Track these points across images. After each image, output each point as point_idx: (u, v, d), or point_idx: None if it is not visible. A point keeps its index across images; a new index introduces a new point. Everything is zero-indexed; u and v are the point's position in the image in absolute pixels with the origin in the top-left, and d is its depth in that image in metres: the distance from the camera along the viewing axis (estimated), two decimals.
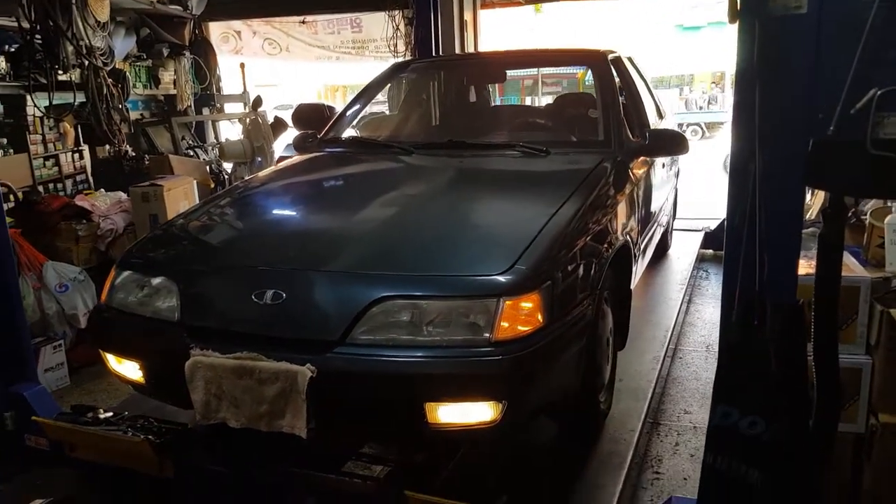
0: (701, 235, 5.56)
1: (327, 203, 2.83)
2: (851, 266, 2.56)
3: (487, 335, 1.95)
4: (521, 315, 2.00)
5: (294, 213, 2.83)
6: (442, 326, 1.98)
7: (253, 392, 2.02)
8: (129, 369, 2.38)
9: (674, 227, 5.29)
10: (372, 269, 2.14)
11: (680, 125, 19.47)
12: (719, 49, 17.59)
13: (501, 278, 2.01)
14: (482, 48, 6.49)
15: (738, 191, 1.66)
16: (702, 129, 19.96)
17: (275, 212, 2.87)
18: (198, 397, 2.09)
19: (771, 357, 1.68)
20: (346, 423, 2.14)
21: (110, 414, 2.64)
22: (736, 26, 1.58)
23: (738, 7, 1.56)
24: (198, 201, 4.54)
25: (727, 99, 22.22)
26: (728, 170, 1.73)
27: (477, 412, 2.00)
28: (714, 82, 22.81)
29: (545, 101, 17.36)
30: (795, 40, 1.52)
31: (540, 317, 2.02)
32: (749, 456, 1.75)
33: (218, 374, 2.05)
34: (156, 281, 2.32)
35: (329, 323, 2.02)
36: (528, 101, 16.34)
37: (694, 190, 5.96)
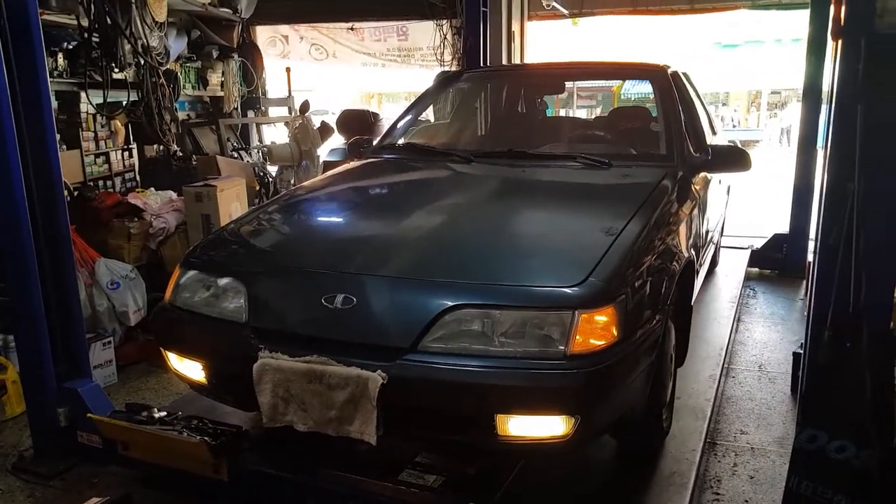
0: (747, 253, 5.48)
1: (391, 209, 2.82)
2: None
3: (562, 348, 1.92)
4: (596, 329, 1.97)
5: (359, 218, 2.82)
6: (515, 337, 1.96)
7: (322, 396, 2.01)
8: (192, 369, 2.38)
9: (721, 244, 5.22)
10: (444, 277, 2.12)
11: None
12: (756, 67, 17.41)
13: (577, 290, 1.98)
14: (528, 60, 6.48)
15: (834, 211, 1.62)
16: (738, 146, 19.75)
17: (339, 216, 2.86)
18: (265, 400, 2.09)
19: (866, 381, 1.63)
20: (415, 431, 2.11)
21: (164, 413, 2.63)
22: (821, 43, 1.54)
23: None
24: (247, 203, 4.57)
25: (762, 117, 22.01)
26: (823, 190, 1.68)
27: (549, 426, 1.97)
28: (752, 102, 22.57)
29: (580, 113, 17.33)
30: None
31: (614, 331, 1.99)
32: (837, 481, 1.70)
33: (287, 377, 2.04)
34: (223, 281, 2.32)
35: (400, 330, 2.01)
36: (562, 114, 16.28)
37: (736, 204, 5.88)
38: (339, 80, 7.77)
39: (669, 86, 3.40)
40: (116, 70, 4.63)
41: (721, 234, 5.12)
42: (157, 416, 2.65)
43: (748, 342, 4.18)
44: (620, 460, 2.58)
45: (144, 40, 4.63)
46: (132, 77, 4.86)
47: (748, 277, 5.34)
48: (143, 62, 4.72)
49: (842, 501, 1.69)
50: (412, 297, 2.08)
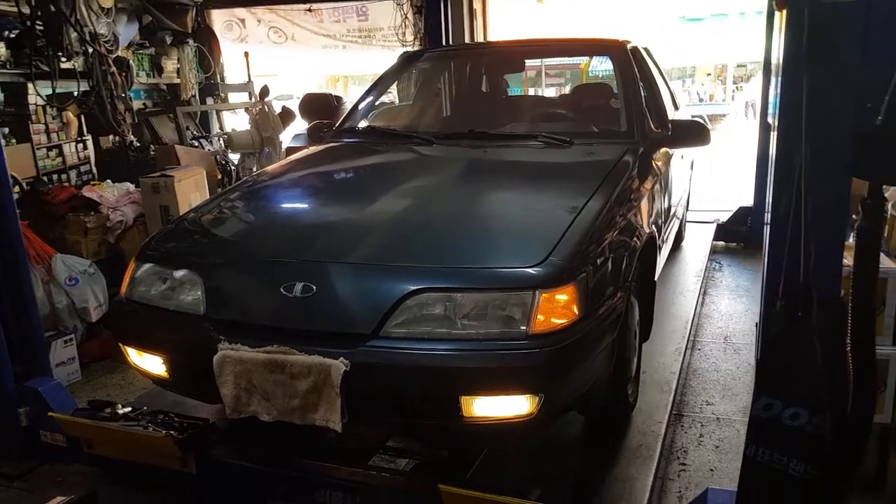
0: (713, 227, 5.54)
1: (351, 193, 2.79)
2: (880, 258, 2.54)
3: (524, 328, 1.93)
4: (557, 308, 1.98)
5: (318, 204, 2.79)
6: (477, 319, 1.96)
7: (285, 386, 2.00)
8: (152, 363, 2.34)
9: (686, 220, 5.28)
10: (405, 262, 2.10)
11: None
12: (721, 41, 17.52)
13: (537, 270, 1.98)
14: (491, 38, 6.43)
15: (783, 182, 1.63)
16: (704, 120, 19.94)
17: (298, 203, 2.82)
18: (227, 391, 2.06)
19: (816, 349, 1.66)
20: (380, 417, 2.11)
21: (129, 409, 2.61)
22: (774, 16, 1.54)
23: None
24: (208, 192, 4.49)
25: (727, 91, 22.23)
26: (772, 160, 1.69)
27: (513, 405, 1.97)
28: (718, 76, 22.75)
29: (548, 92, 17.31)
30: (845, 28, 1.50)
31: (575, 309, 1.99)
32: (792, 448, 1.73)
33: (248, 367, 2.02)
34: (179, 273, 2.28)
35: (362, 316, 1.99)
36: (531, 93, 16.27)
37: (701, 179, 5.93)
38: (302, 63, 7.65)
39: (629, 62, 3.40)
40: (64, 59, 4.48)
41: (686, 209, 5.17)
42: (121, 412, 2.62)
43: (714, 315, 4.24)
44: (588, 435, 2.61)
45: (91, 27, 4.49)
46: (81, 66, 4.71)
47: (714, 251, 5.41)
48: (91, 50, 4.57)
49: (797, 467, 1.72)
50: (373, 282, 2.06)
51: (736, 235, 5.59)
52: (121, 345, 2.45)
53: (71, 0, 4.38)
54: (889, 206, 2.98)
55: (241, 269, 2.26)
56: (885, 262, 2.49)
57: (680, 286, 4.21)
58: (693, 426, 2.95)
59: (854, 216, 1.89)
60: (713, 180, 7.16)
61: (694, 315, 3.85)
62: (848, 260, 1.82)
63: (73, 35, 4.48)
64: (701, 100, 21.40)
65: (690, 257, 4.83)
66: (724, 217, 5.72)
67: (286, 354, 1.98)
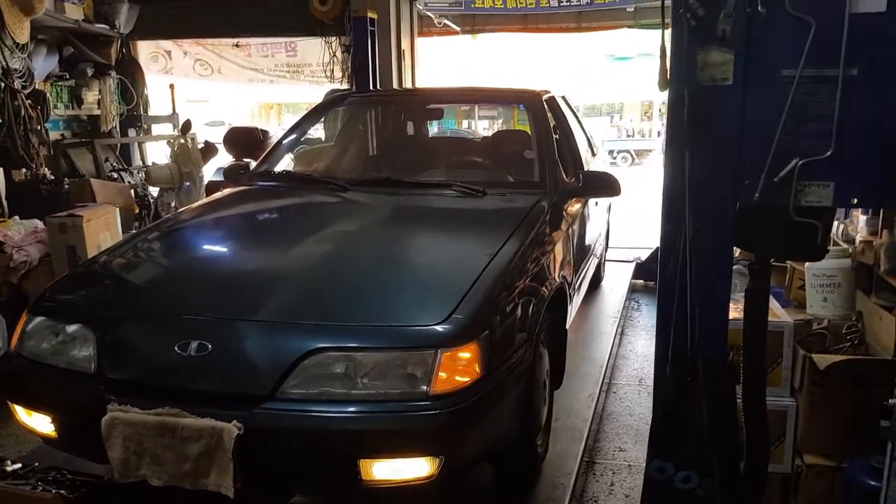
0: (632, 266, 5.68)
1: (257, 243, 2.74)
2: (774, 310, 2.65)
3: (425, 388, 1.92)
4: (459, 366, 1.98)
5: (222, 254, 2.72)
6: (378, 379, 1.94)
7: (176, 450, 1.92)
8: (41, 422, 2.23)
9: (606, 258, 5.40)
10: (304, 319, 2.07)
11: (611, 152, 20.08)
12: (648, 79, 18.22)
13: (439, 328, 1.98)
14: (420, 75, 6.51)
15: (668, 251, 1.69)
16: (632, 155, 20.65)
17: (202, 252, 2.75)
18: (116, 455, 1.97)
19: (704, 414, 1.71)
20: (276, 481, 2.05)
21: (19, 466, 2.46)
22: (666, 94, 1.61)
23: (668, 76, 1.59)
24: (120, 230, 4.35)
25: (654, 127, 23.07)
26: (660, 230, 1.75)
27: (413, 468, 1.95)
28: (645, 112, 23.59)
29: (482, 124, 17.61)
30: (722, 110, 1.57)
31: (478, 367, 2.00)
32: None
33: (138, 430, 1.94)
34: (71, 328, 2.18)
35: (258, 376, 1.95)
36: (465, 124, 16.51)
37: (623, 217, 6.09)
38: (229, 91, 7.57)
39: (543, 112, 3.49)
40: None
41: (606, 249, 5.30)
42: (10, 468, 2.47)
43: (630, 356, 4.33)
44: (497, 487, 2.60)
45: (4, 63, 4.33)
46: None
47: (633, 290, 5.54)
48: (3, 85, 4.40)
49: None
50: (270, 341, 2.02)
51: (654, 274, 5.71)
52: (9, 402, 2.33)
53: None
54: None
55: (136, 324, 2.18)
56: (780, 314, 2.60)
57: (597, 328, 4.29)
58: (605, 474, 2.98)
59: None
60: (635, 217, 7.35)
61: (609, 357, 3.93)
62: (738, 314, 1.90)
63: None
64: (629, 135, 22.14)
65: (609, 297, 4.94)
66: (644, 255, 5.87)
67: (177, 417, 1.91)
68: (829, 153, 1.50)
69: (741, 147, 1.58)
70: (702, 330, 1.68)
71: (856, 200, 1.60)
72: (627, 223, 6.82)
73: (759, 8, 1.50)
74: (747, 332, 1.85)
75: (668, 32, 1.59)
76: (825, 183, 1.53)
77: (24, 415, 2.28)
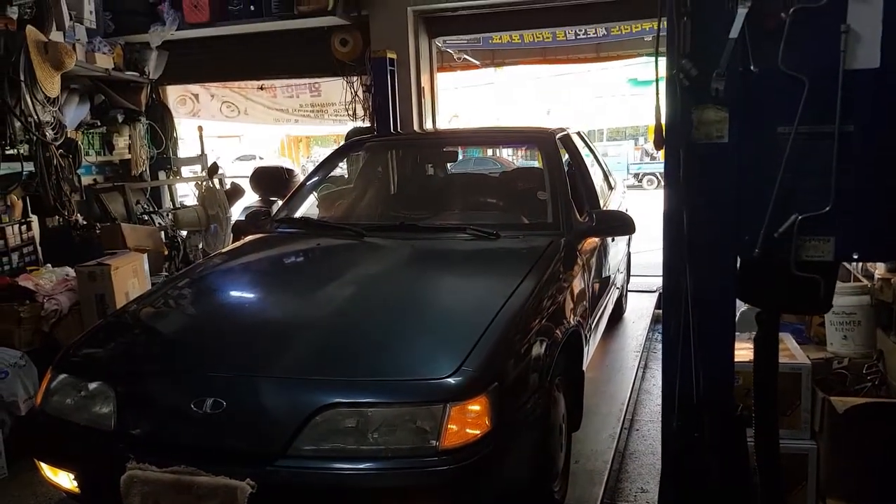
0: (655, 296, 5.61)
1: (274, 293, 2.80)
2: (792, 350, 2.61)
3: (434, 442, 1.92)
4: (469, 419, 1.98)
5: (240, 306, 2.78)
6: (388, 434, 1.95)
7: None
8: (64, 479, 2.28)
9: (628, 289, 5.35)
10: (317, 374, 2.10)
11: (636, 175, 19.94)
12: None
13: (448, 381, 1.99)
14: (443, 107, 6.58)
15: (671, 306, 1.69)
16: (657, 178, 20.48)
17: (220, 305, 2.81)
18: None
19: (713, 467, 1.69)
20: None
21: None
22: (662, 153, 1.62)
23: (663, 134, 1.61)
24: (148, 276, 4.45)
25: None
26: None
27: None
28: None
29: (507, 151, 17.69)
30: (719, 167, 1.58)
31: (488, 420, 2.00)
32: None
33: (155, 489, 1.98)
34: (92, 385, 2.24)
35: (270, 433, 1.97)
36: (489, 152, 16.59)
37: (647, 241, 6.01)
38: (265, 126, 7.73)
39: (556, 152, 3.50)
40: (8, 147, 4.48)
41: (627, 280, 5.25)
42: None
43: (653, 390, 4.26)
44: None
45: (36, 117, 4.50)
46: (26, 151, 4.70)
47: (656, 320, 5.46)
48: (35, 138, 4.58)
49: None
50: (283, 397, 2.05)
51: None
52: (35, 459, 2.39)
53: (16, 91, 4.40)
54: None
55: (154, 381, 2.23)
56: (798, 355, 2.56)
57: (618, 363, 4.24)
58: None
59: None
60: (659, 240, 7.26)
61: (632, 392, 3.87)
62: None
63: (17, 125, 4.49)
64: (653, 158, 22.00)
65: (631, 330, 4.89)
66: None
67: (193, 475, 1.95)
68: (827, 208, 1.49)
69: (739, 202, 1.58)
70: (707, 382, 1.67)
71: (856, 256, 1.58)
72: (650, 248, 6.75)
73: (752, 67, 1.51)
74: (758, 380, 1.84)
75: (661, 93, 1.60)
76: (825, 238, 1.52)
77: (48, 471, 2.33)
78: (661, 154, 1.63)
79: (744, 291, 1.66)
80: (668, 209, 1.64)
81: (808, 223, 1.51)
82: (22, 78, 4.31)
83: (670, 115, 1.59)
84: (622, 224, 3.16)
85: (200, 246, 5.65)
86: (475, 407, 1.99)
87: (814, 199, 1.50)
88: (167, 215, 6.23)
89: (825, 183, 1.49)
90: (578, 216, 3.24)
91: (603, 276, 3.65)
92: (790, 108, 1.49)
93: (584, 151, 4.04)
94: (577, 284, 2.97)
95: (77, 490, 2.26)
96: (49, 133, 4.72)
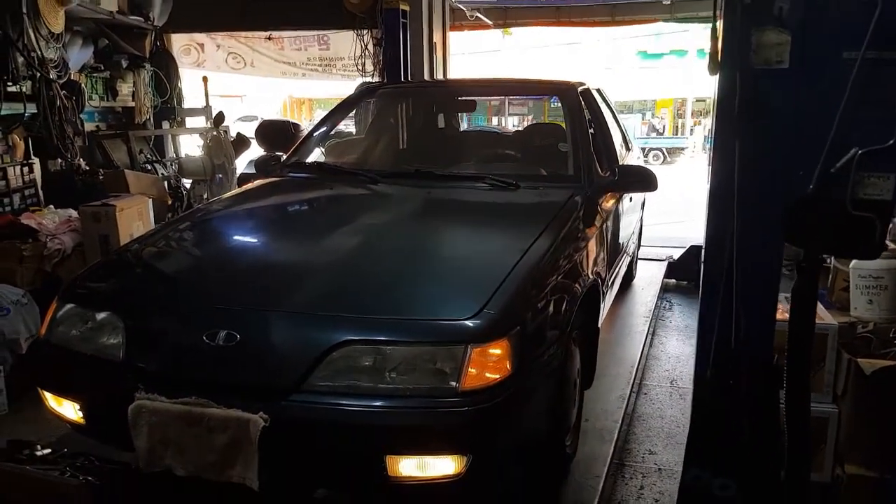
0: (664, 265, 5.56)
1: (287, 234, 2.71)
2: (818, 312, 2.54)
3: (454, 384, 1.86)
4: (490, 362, 1.92)
5: (253, 245, 2.70)
6: (406, 373, 1.89)
7: (201, 440, 1.90)
8: (69, 409, 2.23)
9: (638, 257, 5.29)
10: (333, 311, 2.03)
11: (643, 149, 19.91)
12: (680, 77, 17.97)
13: (469, 323, 1.92)
14: (451, 69, 6.45)
15: (715, 247, 1.61)
16: (663, 154, 20.35)
17: (232, 243, 2.73)
18: (141, 444, 1.96)
19: (745, 419, 1.63)
20: (301, 474, 2.01)
21: (48, 451, 2.48)
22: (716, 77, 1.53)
23: (720, 58, 1.51)
24: (153, 221, 4.36)
25: (687, 125, 22.72)
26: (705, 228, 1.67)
27: (440, 465, 1.90)
28: (678, 110, 23.23)
29: (511, 121, 17.50)
30: (776, 96, 1.49)
31: (508, 364, 1.94)
32: None
33: (164, 419, 1.92)
34: (100, 316, 2.17)
35: (285, 368, 1.91)
36: (494, 122, 16.43)
37: (656, 213, 5.96)
38: (260, 86, 7.59)
39: (579, 104, 3.41)
40: (10, 84, 4.34)
41: (638, 247, 5.19)
42: (39, 454, 2.49)
43: (661, 356, 4.23)
44: (524, 488, 2.54)
45: (39, 52, 4.36)
46: (28, 90, 4.57)
47: (665, 289, 5.42)
48: (38, 75, 4.44)
49: None
50: (299, 332, 1.99)
51: (687, 273, 5.60)
52: (39, 389, 2.33)
53: (19, 24, 4.25)
54: (833, 257, 3.01)
55: (165, 314, 2.16)
56: (824, 316, 2.50)
57: (628, 327, 4.20)
58: (634, 477, 2.90)
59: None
60: (669, 215, 7.21)
61: (641, 357, 3.83)
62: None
63: (20, 60, 4.35)
64: (660, 133, 21.82)
65: (640, 296, 4.84)
66: (677, 254, 5.75)
67: (204, 407, 1.89)
68: (891, 142, 1.40)
69: (796, 135, 1.49)
70: (748, 330, 1.60)
71: None
72: (660, 221, 6.70)
73: None
74: (793, 335, 1.77)
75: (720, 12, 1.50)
76: (886, 175, 1.43)
77: (52, 401, 2.28)
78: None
79: (792, 233, 1.58)
80: (718, 142, 1.56)
81: (868, 158, 1.43)
82: (24, 10, 4.16)
83: (727, 37, 1.49)
84: (644, 179, 3.07)
85: (205, 196, 5.55)
86: (496, 350, 1.93)
87: (876, 132, 1.42)
88: (171, 165, 6.12)
89: (889, 115, 1.40)
90: (600, 170, 3.16)
91: (620, 234, 3.57)
92: (858, 32, 1.39)
93: (604, 109, 3.94)
94: (597, 239, 2.90)
95: (82, 420, 2.21)
96: (52, 72, 4.58)
